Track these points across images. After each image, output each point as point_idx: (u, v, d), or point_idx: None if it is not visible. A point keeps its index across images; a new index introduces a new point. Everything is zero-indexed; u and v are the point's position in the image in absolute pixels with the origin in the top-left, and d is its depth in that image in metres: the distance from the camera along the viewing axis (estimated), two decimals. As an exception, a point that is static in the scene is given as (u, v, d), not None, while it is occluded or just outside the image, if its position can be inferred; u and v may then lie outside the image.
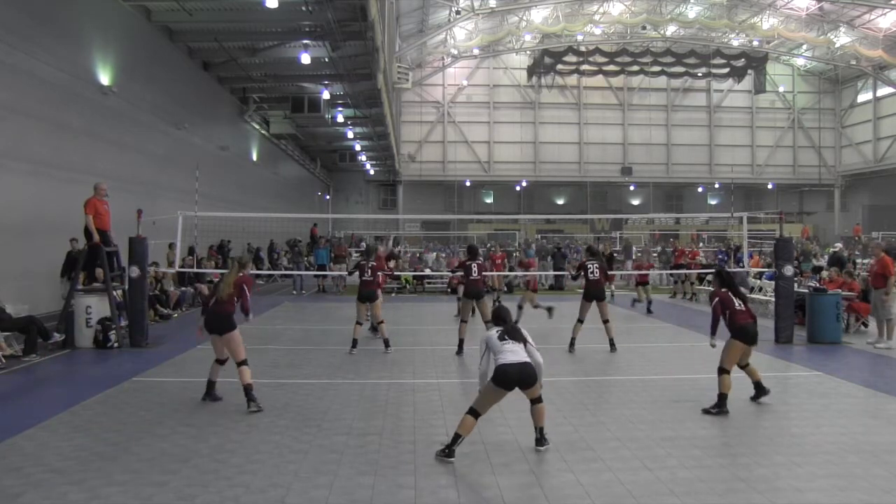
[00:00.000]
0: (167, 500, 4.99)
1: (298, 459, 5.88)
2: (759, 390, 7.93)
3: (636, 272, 18.81)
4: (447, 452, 5.90)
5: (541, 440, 6.18)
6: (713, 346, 7.87)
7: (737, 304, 7.65)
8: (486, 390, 6.05)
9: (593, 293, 11.52)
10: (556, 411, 7.54)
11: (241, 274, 8.08)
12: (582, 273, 11.76)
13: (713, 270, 10.01)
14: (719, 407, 7.39)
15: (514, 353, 6.00)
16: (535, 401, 6.17)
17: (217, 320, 7.74)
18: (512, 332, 6.20)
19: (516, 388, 6.03)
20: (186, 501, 4.97)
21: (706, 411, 7.40)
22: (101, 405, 7.72)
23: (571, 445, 6.31)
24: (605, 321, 11.45)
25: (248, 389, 7.51)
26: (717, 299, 7.73)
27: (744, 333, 7.53)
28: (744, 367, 7.89)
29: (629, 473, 5.57)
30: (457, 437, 5.92)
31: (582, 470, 5.65)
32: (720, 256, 23.15)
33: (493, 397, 6.04)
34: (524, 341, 6.15)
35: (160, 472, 5.55)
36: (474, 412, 6.00)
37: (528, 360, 6.03)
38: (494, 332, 6.24)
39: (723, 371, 7.47)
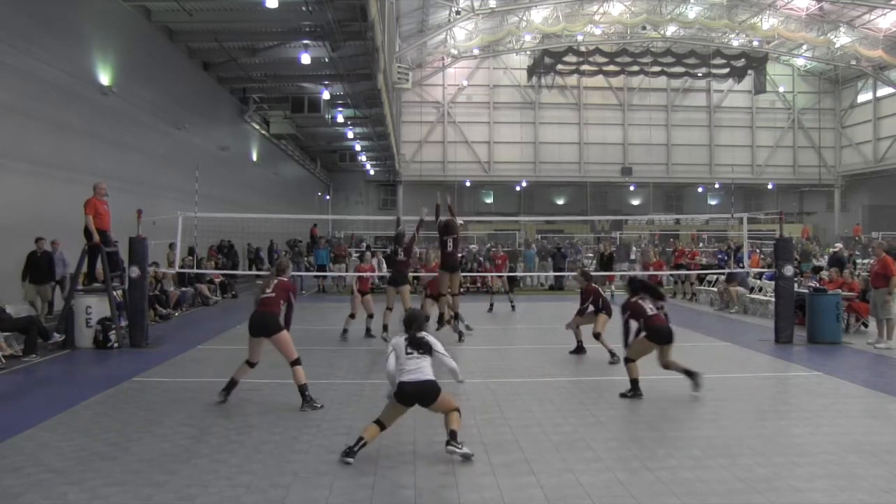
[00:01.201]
0: (167, 500, 4.99)
1: (299, 459, 5.88)
2: (692, 376, 8.20)
3: (645, 273, 16.51)
4: (348, 452, 5.77)
5: (451, 443, 5.82)
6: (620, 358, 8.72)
7: (649, 310, 8.19)
8: (388, 405, 5.99)
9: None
10: (556, 411, 7.55)
11: (281, 279, 7.84)
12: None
13: (715, 271, 10.04)
14: (633, 391, 8.15)
15: (417, 370, 5.83)
16: (447, 412, 5.94)
17: (263, 322, 7.54)
18: (417, 343, 5.96)
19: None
20: (187, 501, 4.97)
21: (623, 395, 8.15)
22: (102, 405, 7.73)
23: (571, 445, 6.31)
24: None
25: (302, 390, 7.50)
26: (627, 312, 8.32)
27: (656, 334, 8.15)
28: (665, 365, 8.26)
29: (629, 473, 5.56)
30: (360, 440, 5.81)
31: (582, 470, 5.65)
32: (720, 256, 23.15)
33: (395, 412, 5.95)
34: (430, 352, 5.94)
35: (160, 472, 5.55)
36: (380, 423, 5.94)
37: (428, 378, 5.84)
38: (403, 339, 6.02)
39: (628, 360, 8.27)
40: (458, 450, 5.81)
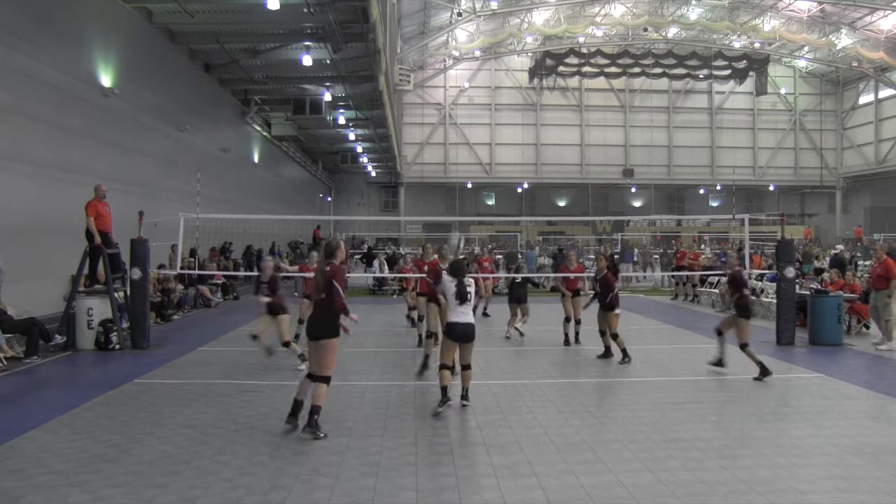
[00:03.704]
0: (169, 502, 5.00)
1: (300, 461, 5.88)
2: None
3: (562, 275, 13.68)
4: (443, 403, 7.31)
5: (464, 396, 7.52)
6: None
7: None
8: (442, 347, 7.60)
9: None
10: (558, 413, 7.55)
11: (328, 267, 6.74)
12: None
13: (716, 272, 10.03)
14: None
15: (465, 314, 7.36)
16: (465, 367, 7.50)
17: (314, 323, 6.71)
18: (462, 295, 7.33)
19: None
20: (188, 503, 4.98)
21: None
22: (103, 407, 7.73)
23: (573, 447, 6.31)
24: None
25: (313, 411, 6.48)
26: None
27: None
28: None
29: (631, 475, 5.56)
30: (444, 389, 7.32)
31: (584, 471, 5.65)
32: (722, 259, 23.12)
33: (450, 349, 7.48)
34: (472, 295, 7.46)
35: (162, 473, 5.56)
36: (445, 366, 7.45)
37: (472, 321, 7.40)
38: (453, 285, 7.38)
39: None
40: (467, 404, 7.48)
